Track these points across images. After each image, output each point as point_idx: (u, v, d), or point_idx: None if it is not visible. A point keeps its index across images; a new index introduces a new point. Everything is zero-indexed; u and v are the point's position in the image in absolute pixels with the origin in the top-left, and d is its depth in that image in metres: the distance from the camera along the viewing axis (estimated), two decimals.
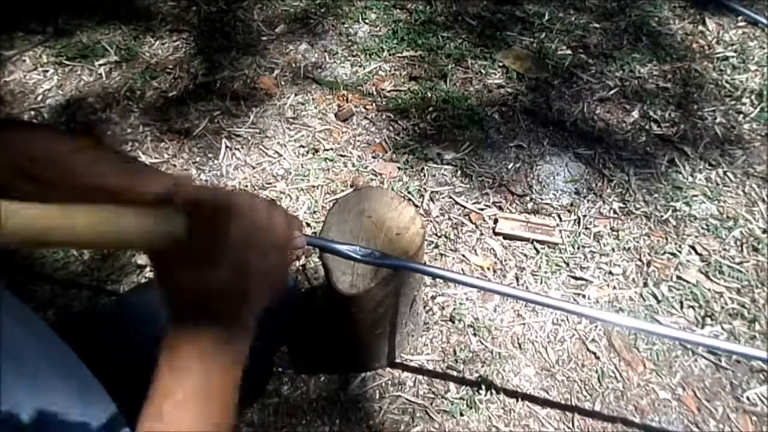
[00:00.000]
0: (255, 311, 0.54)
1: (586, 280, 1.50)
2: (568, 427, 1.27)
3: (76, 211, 0.39)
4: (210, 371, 0.49)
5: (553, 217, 1.62)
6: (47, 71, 2.07)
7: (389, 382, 1.35)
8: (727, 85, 1.94)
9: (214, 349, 0.49)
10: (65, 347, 0.58)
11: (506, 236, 1.58)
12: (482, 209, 1.64)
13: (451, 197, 1.67)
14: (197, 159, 1.80)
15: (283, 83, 2.01)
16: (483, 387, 1.32)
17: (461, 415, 1.29)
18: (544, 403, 1.31)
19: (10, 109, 1.95)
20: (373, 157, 1.77)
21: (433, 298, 1.48)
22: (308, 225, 1.61)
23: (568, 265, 1.52)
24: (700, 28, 2.15)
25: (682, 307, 1.44)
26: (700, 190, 1.67)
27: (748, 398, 1.30)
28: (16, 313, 0.54)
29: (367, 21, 2.22)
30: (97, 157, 0.73)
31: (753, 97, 1.90)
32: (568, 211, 1.64)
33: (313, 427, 1.29)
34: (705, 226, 1.59)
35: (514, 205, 1.65)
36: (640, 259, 1.53)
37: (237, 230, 0.51)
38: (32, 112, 1.94)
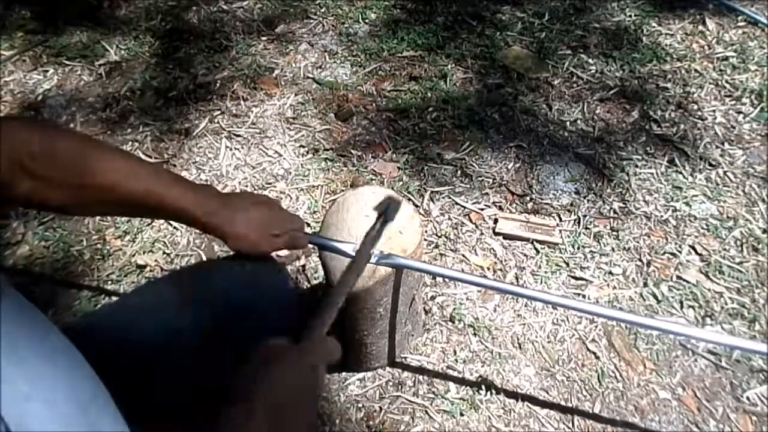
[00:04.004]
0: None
1: (586, 280, 1.49)
2: (568, 427, 1.27)
3: None
4: None
5: (553, 217, 1.62)
6: (47, 71, 2.07)
7: (389, 382, 1.35)
8: (727, 85, 1.94)
9: None
10: (66, 341, 0.58)
11: (506, 236, 1.58)
12: (482, 209, 1.64)
13: (451, 197, 1.67)
14: (197, 159, 1.80)
15: (283, 83, 2.01)
16: (483, 387, 1.32)
17: (461, 415, 1.28)
18: (544, 403, 1.31)
19: (11, 109, 1.95)
20: (373, 157, 1.77)
21: (433, 298, 1.47)
22: (308, 225, 1.61)
23: (568, 265, 1.52)
24: (700, 28, 2.15)
25: (682, 307, 1.44)
26: (700, 190, 1.67)
27: (748, 398, 1.30)
28: (15, 307, 0.53)
29: (367, 21, 2.22)
30: (104, 156, 0.73)
31: (753, 97, 1.90)
32: (568, 211, 1.63)
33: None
34: (705, 226, 1.59)
35: (514, 205, 1.65)
36: (640, 259, 1.53)
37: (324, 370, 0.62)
38: (32, 112, 1.94)
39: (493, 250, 1.56)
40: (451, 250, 1.56)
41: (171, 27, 2.23)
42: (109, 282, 1.52)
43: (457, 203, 1.66)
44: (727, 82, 1.95)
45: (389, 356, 1.33)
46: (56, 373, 0.53)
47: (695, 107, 1.89)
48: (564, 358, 1.37)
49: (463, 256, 1.55)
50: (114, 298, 1.49)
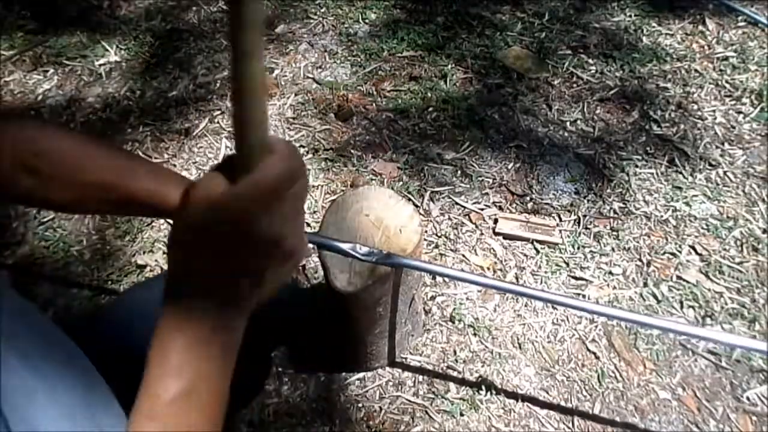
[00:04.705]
0: (261, 296, 0.46)
1: (586, 280, 1.49)
2: (568, 427, 1.27)
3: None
4: (200, 366, 0.43)
5: (553, 217, 1.62)
6: (47, 71, 2.07)
7: (389, 382, 1.35)
8: (727, 85, 1.94)
9: (208, 338, 0.43)
10: (67, 340, 0.58)
11: (506, 236, 1.58)
12: (482, 209, 1.64)
13: (451, 197, 1.67)
14: (197, 159, 1.80)
15: (283, 83, 2.01)
16: (483, 387, 1.32)
17: (461, 415, 1.28)
18: (544, 403, 1.31)
19: (11, 110, 1.95)
20: (373, 157, 1.77)
21: (433, 298, 1.47)
22: (308, 225, 1.61)
23: (568, 265, 1.52)
24: (700, 28, 2.15)
25: (682, 307, 1.44)
26: (700, 190, 1.67)
27: (748, 398, 1.30)
28: (16, 308, 0.53)
29: (367, 21, 2.22)
30: (105, 155, 0.73)
31: (753, 97, 1.90)
32: (568, 211, 1.63)
33: (313, 427, 1.29)
34: (705, 226, 1.59)
35: (514, 205, 1.65)
36: (640, 259, 1.53)
37: (298, 191, 0.43)
38: (32, 112, 1.94)
39: (493, 250, 1.56)
40: (451, 250, 1.56)
41: (171, 27, 2.23)
42: (109, 282, 1.52)
43: (457, 203, 1.66)
44: (727, 82, 1.95)
45: (389, 356, 1.33)
46: (60, 369, 0.53)
47: (695, 107, 1.89)
48: (564, 358, 1.37)
49: (463, 256, 1.55)
50: (113, 298, 1.49)
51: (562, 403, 1.31)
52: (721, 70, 1.99)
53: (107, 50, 2.14)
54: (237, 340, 0.46)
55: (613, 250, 1.55)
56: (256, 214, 0.41)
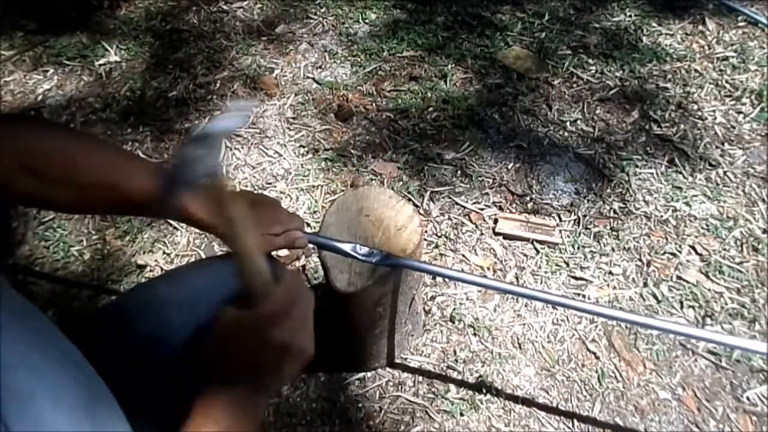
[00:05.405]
0: (279, 383, 0.66)
1: (586, 280, 1.49)
2: (568, 427, 1.27)
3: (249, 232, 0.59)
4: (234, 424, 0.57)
5: (553, 217, 1.62)
6: (47, 71, 2.07)
7: (389, 382, 1.35)
8: (727, 85, 1.94)
9: (240, 416, 0.57)
10: (67, 340, 0.58)
11: (506, 236, 1.58)
12: (482, 209, 1.64)
13: (451, 197, 1.67)
14: None
15: (283, 83, 2.01)
16: (483, 387, 1.32)
17: (461, 415, 1.28)
18: (544, 403, 1.31)
19: (11, 109, 1.95)
20: (373, 157, 1.77)
21: (433, 298, 1.47)
22: (308, 225, 1.61)
23: (568, 265, 1.52)
24: (700, 28, 2.15)
25: (682, 307, 1.44)
26: (700, 190, 1.67)
27: (748, 398, 1.30)
28: (16, 308, 0.53)
29: (367, 21, 2.22)
30: (105, 155, 0.73)
31: (753, 97, 1.90)
32: (568, 211, 1.63)
33: (312, 428, 1.29)
34: (705, 226, 1.59)
35: (514, 205, 1.65)
36: (640, 259, 1.53)
37: (302, 308, 0.61)
38: (32, 112, 1.94)
39: (493, 250, 1.56)
40: (451, 250, 1.56)
41: (171, 27, 2.23)
42: (109, 282, 1.52)
43: (457, 203, 1.66)
44: (727, 82, 1.95)
45: (389, 356, 1.33)
46: (59, 370, 0.53)
47: (695, 107, 1.89)
48: (564, 358, 1.37)
49: (463, 256, 1.55)
50: (114, 298, 1.49)
51: (562, 403, 1.31)
52: (721, 70, 1.99)
53: (107, 50, 2.14)
54: (261, 417, 0.63)
55: (613, 250, 1.55)
56: (267, 331, 0.57)
